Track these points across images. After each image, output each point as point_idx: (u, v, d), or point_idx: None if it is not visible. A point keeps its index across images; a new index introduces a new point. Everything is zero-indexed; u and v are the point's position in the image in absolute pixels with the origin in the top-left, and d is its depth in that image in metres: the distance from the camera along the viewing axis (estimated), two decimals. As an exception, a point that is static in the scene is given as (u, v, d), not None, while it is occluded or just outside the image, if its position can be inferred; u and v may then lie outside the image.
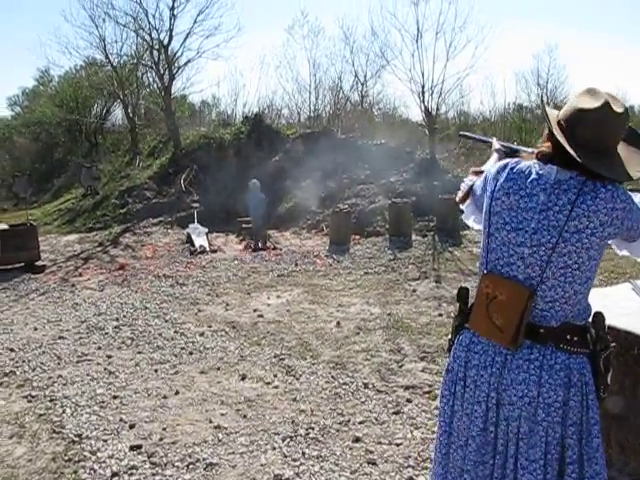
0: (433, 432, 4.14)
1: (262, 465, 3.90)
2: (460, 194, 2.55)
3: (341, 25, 32.24)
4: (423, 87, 15.47)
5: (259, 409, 4.74)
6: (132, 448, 4.15)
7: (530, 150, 2.42)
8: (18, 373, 5.70)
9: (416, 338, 6.31)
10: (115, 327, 7.06)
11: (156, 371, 5.63)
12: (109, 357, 6.06)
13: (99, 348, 6.37)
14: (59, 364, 5.92)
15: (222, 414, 4.67)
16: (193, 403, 4.89)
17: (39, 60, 41.20)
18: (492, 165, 2.34)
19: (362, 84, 23.63)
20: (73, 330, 7.00)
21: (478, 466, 2.15)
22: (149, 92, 22.91)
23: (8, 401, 5.06)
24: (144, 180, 16.49)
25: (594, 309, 2.15)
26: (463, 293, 2.34)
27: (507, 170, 2.15)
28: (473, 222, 2.55)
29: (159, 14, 18.52)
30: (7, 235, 10.37)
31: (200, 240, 11.89)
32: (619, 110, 2.01)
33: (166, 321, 7.25)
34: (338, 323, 6.94)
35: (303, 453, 4.02)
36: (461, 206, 2.59)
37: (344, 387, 5.12)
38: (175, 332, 6.80)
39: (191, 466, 3.90)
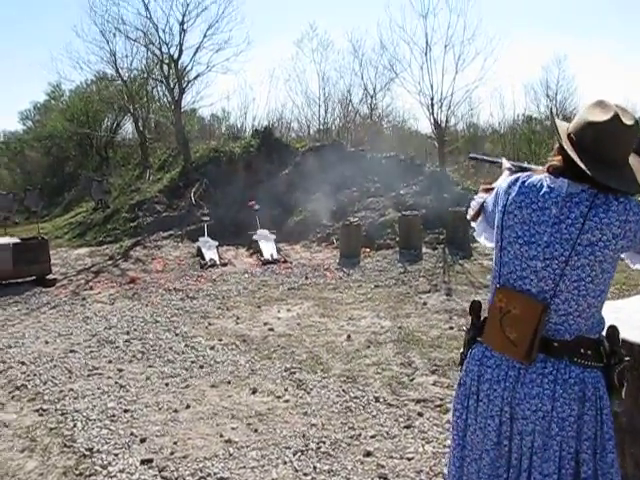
0: (445, 446, 4.13)
1: None
2: (471, 212, 2.56)
3: (350, 38, 32.38)
4: (432, 99, 15.49)
5: (270, 423, 4.72)
6: (143, 462, 4.15)
7: (541, 168, 2.43)
8: (29, 387, 5.71)
9: (427, 351, 6.29)
10: (126, 341, 7.07)
11: (167, 385, 5.63)
12: (120, 371, 6.06)
13: (110, 362, 6.37)
14: (70, 378, 5.93)
15: (233, 428, 4.66)
16: (204, 417, 4.88)
17: (51, 75, 41.50)
18: (503, 180, 2.34)
19: (371, 97, 23.70)
20: (84, 344, 7.02)
21: (492, 479, 2.14)
22: (159, 106, 23.02)
23: (20, 415, 5.07)
24: (154, 194, 16.53)
25: (607, 322, 2.14)
26: (476, 306, 2.34)
27: (519, 184, 2.15)
28: (485, 239, 2.54)
29: (169, 29, 18.60)
30: (19, 249, 10.40)
31: (210, 253, 11.89)
32: (629, 122, 2.01)
33: (177, 335, 7.26)
34: (349, 336, 6.93)
35: (314, 467, 4.00)
36: (472, 224, 2.59)
37: (355, 401, 5.10)
38: (186, 346, 6.80)
39: (202, 480, 3.90)
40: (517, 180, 2.17)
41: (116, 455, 4.28)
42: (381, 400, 5.09)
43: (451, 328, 7.05)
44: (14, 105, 53.99)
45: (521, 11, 38.94)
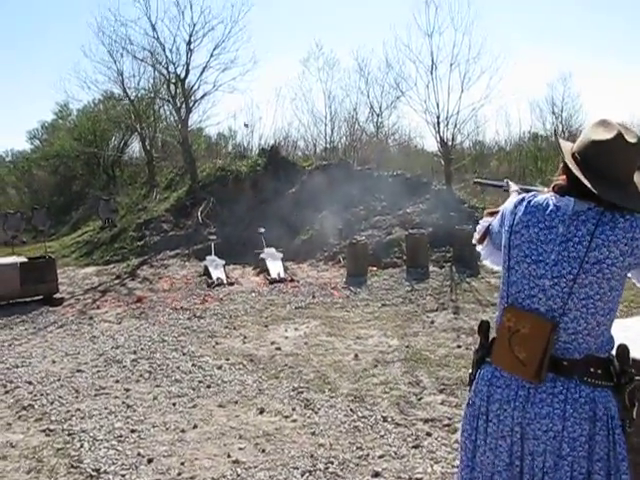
0: (453, 466, 4.10)
1: (281, 500, 3.87)
2: (477, 235, 2.57)
3: (356, 57, 32.42)
4: (438, 118, 15.49)
5: (278, 443, 4.70)
6: (150, 483, 4.14)
7: (546, 190, 2.44)
8: (36, 407, 5.71)
9: (435, 370, 6.27)
10: (133, 360, 7.06)
11: (174, 405, 5.61)
12: (127, 390, 6.05)
13: (117, 381, 6.36)
14: (77, 397, 5.92)
15: (240, 448, 4.64)
16: (211, 437, 4.87)
17: (58, 94, 41.82)
18: (509, 200, 2.35)
19: (377, 115, 23.71)
20: (91, 363, 7.01)
21: None
22: (166, 125, 23.09)
23: (27, 435, 5.06)
24: (161, 212, 16.57)
25: (616, 341, 2.13)
26: (484, 327, 2.33)
27: (525, 203, 2.16)
28: (491, 263, 2.57)
29: (176, 48, 18.67)
30: (26, 268, 10.42)
31: (217, 272, 11.88)
32: (632, 140, 2.02)
33: (184, 354, 7.25)
34: (356, 355, 6.90)
35: (322, 488, 3.98)
36: (478, 247, 2.60)
37: (363, 420, 5.07)
38: (193, 365, 6.79)
39: (210, 501, 3.88)
40: (523, 200, 2.18)
41: (123, 476, 4.26)
42: (389, 420, 5.07)
43: (459, 347, 7.02)
44: (22, 124, 54.37)
45: (526, 29, 39.11)
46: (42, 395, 6.00)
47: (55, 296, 10.50)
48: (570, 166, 2.06)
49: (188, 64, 18.43)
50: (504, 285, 2.21)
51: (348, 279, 11.30)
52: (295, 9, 42.87)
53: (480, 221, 2.58)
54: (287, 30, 42.49)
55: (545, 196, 2.14)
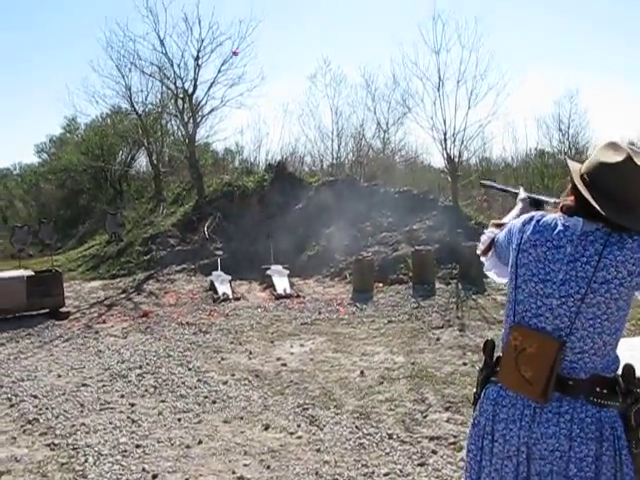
0: (459, 485, 4.08)
1: (286, 518, 3.86)
2: (481, 246, 2.57)
3: (363, 73, 32.49)
4: (445, 134, 15.50)
5: (283, 460, 4.69)
6: (155, 499, 4.13)
7: (552, 200, 2.44)
8: (41, 421, 5.71)
9: (440, 388, 6.25)
10: (138, 375, 7.06)
11: (179, 420, 5.61)
12: (132, 405, 6.05)
13: (122, 396, 6.36)
14: (82, 412, 5.92)
15: (245, 464, 4.63)
16: (216, 453, 4.86)
17: (67, 109, 41.92)
18: (515, 217, 2.36)
19: (384, 131, 23.76)
20: (96, 377, 7.01)
21: None
22: (173, 140, 23.19)
23: (31, 449, 5.06)
24: (168, 227, 16.59)
25: (622, 360, 2.12)
26: (489, 346, 2.33)
27: (533, 223, 2.16)
28: (495, 275, 2.55)
29: (184, 64, 18.76)
30: (33, 281, 10.45)
31: (223, 287, 11.89)
32: None
33: (189, 369, 7.24)
34: (362, 372, 6.89)
35: (327, 505, 3.97)
36: (482, 259, 2.60)
37: (368, 437, 5.06)
38: (198, 380, 6.79)
39: (214, 518, 3.86)
40: (532, 219, 2.18)
41: (127, 491, 4.26)
42: (394, 437, 5.05)
43: (464, 364, 7.00)
44: (30, 139, 54.64)
45: (533, 46, 39.13)
46: (47, 409, 6.00)
47: (61, 310, 10.51)
48: (579, 187, 2.07)
49: (196, 79, 18.54)
50: (511, 303, 2.21)
51: (354, 295, 11.30)
52: (303, 25, 43.12)
53: (485, 231, 2.58)
54: (295, 46, 42.66)
55: (553, 216, 2.14)
